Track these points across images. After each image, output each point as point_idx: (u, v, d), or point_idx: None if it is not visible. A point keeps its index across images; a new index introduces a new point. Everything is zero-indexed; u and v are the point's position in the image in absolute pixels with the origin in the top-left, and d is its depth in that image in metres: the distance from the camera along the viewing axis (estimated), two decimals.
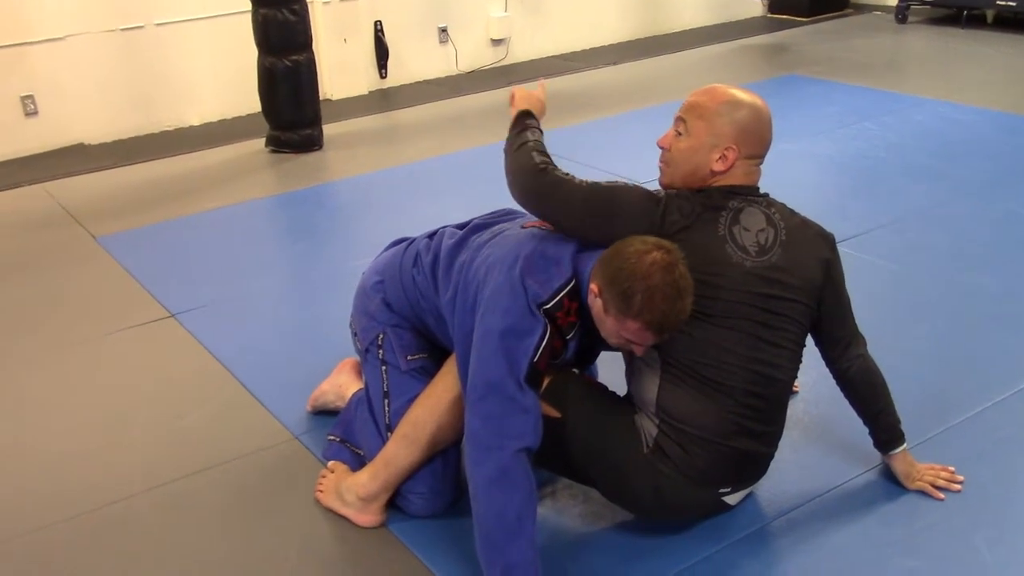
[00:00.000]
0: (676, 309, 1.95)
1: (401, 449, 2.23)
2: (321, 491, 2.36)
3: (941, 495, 2.30)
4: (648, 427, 2.09)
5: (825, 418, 2.59)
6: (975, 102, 5.34)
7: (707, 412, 2.06)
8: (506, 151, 2.30)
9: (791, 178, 4.22)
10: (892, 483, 2.36)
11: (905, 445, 2.33)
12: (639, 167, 4.42)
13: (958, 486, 2.33)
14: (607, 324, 2.02)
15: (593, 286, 2.02)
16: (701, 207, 2.10)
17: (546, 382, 2.12)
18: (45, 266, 3.83)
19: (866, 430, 2.35)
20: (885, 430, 2.31)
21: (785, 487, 2.35)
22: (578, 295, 2.09)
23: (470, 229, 2.36)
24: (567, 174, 2.17)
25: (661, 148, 2.21)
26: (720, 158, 2.13)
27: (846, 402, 2.32)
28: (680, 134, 2.17)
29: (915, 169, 4.42)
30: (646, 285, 1.92)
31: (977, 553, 2.14)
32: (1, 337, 3.29)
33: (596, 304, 2.02)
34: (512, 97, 2.43)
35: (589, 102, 5.80)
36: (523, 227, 2.23)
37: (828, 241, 2.21)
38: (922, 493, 2.32)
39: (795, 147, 4.66)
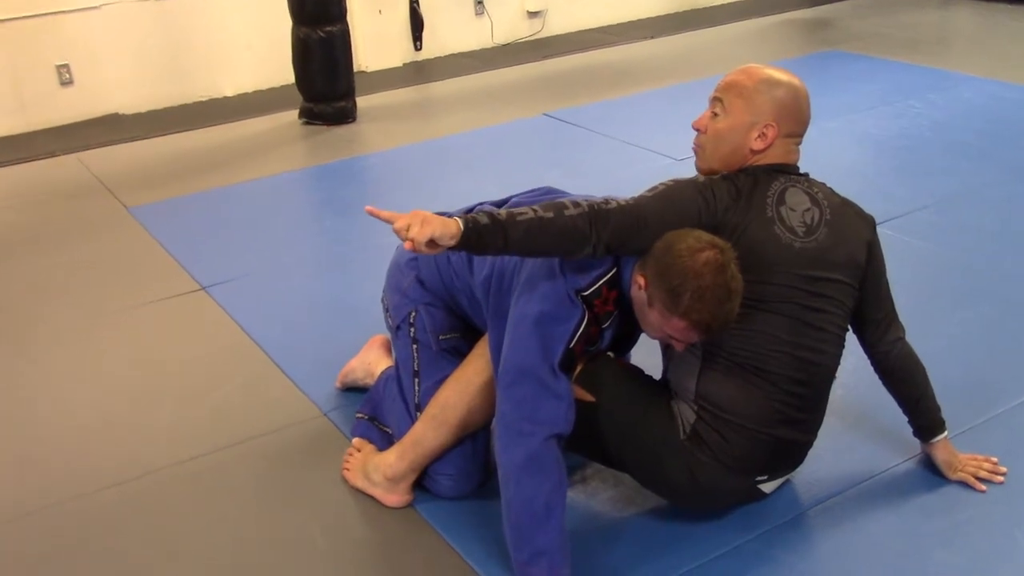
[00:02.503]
0: (724, 311, 1.89)
1: (430, 431, 2.20)
2: (347, 469, 2.34)
3: (983, 487, 2.24)
4: (686, 413, 2.05)
5: (864, 404, 2.52)
6: (1022, 80, 5.20)
7: (749, 400, 2.01)
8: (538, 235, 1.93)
9: (832, 156, 4.13)
10: (932, 473, 2.29)
11: (946, 433, 2.26)
12: (673, 143, 4.36)
13: (1001, 478, 2.26)
14: (650, 318, 1.97)
15: (639, 278, 1.96)
16: (747, 187, 2.05)
17: (580, 366, 2.08)
18: (76, 236, 3.83)
19: (905, 418, 2.29)
20: (925, 417, 2.25)
21: (822, 475, 2.30)
22: (618, 284, 2.03)
23: (508, 207, 2.31)
24: (595, 204, 1.99)
25: (696, 130, 2.15)
26: (759, 136, 2.07)
27: (885, 388, 2.26)
28: (717, 114, 2.11)
29: (960, 149, 4.31)
30: (697, 285, 1.86)
31: (1018, 548, 2.08)
32: (31, 306, 3.29)
33: (640, 297, 1.97)
34: (408, 228, 1.85)
35: (624, 76, 5.71)
36: (572, 202, 2.16)
37: (869, 222, 2.16)
38: (963, 484, 2.25)
39: (836, 125, 4.56)
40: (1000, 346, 2.82)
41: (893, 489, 2.26)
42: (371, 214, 1.90)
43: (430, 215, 1.85)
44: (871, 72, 5.50)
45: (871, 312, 2.16)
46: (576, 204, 1.95)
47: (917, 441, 2.32)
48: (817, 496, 2.24)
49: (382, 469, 2.24)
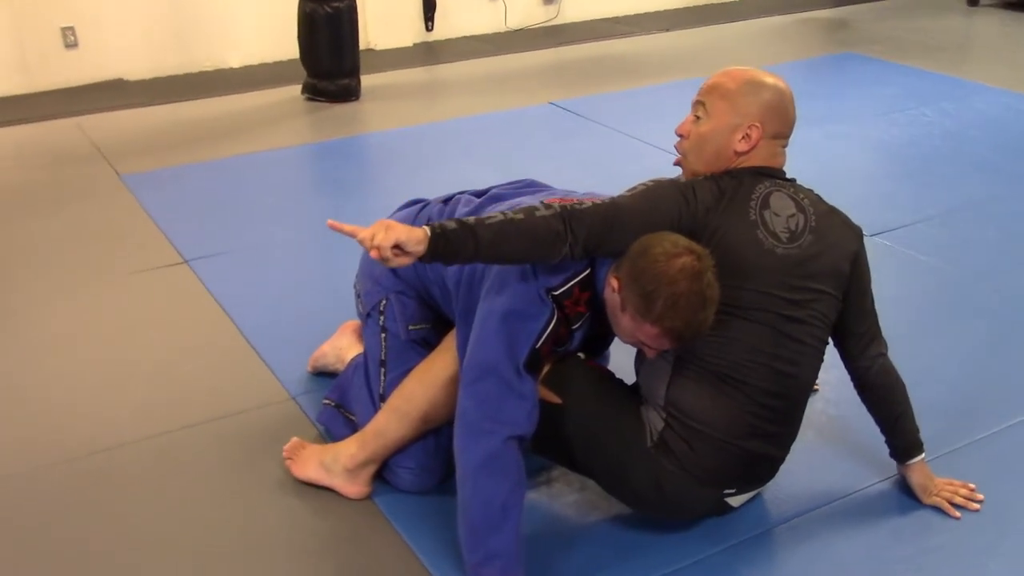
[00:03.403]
0: (698, 319, 1.83)
1: (392, 422, 2.14)
2: (291, 460, 2.27)
3: (958, 514, 2.17)
4: (654, 420, 1.99)
5: (843, 420, 2.46)
6: None
7: (720, 410, 1.95)
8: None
9: (838, 161, 4.06)
10: (907, 496, 2.22)
11: (923, 455, 2.20)
12: (674, 138, 4.27)
13: (977, 505, 2.19)
14: (622, 322, 1.91)
15: (613, 280, 1.90)
16: (731, 189, 1.99)
17: (548, 366, 2.02)
18: (64, 201, 3.78)
19: (876, 429, 2.21)
20: (902, 438, 2.18)
21: (793, 490, 2.23)
22: (591, 285, 1.97)
23: (488, 198, 2.25)
24: (568, 205, 1.93)
25: (679, 136, 2.10)
26: (743, 137, 2.02)
27: (855, 400, 2.19)
28: (699, 118, 2.06)
29: (970, 160, 4.21)
30: (671, 291, 1.80)
31: None
32: (9, 271, 3.25)
33: (613, 299, 1.91)
34: (372, 238, 1.77)
35: (637, 68, 5.63)
36: (543, 203, 2.10)
37: (856, 232, 2.10)
38: (937, 509, 2.18)
39: (846, 128, 4.47)
40: (988, 368, 2.74)
41: (865, 510, 2.20)
42: (333, 228, 1.82)
43: (394, 223, 1.78)
44: (885, 76, 5.40)
45: (853, 325, 2.10)
46: (548, 206, 1.89)
47: (892, 462, 2.25)
48: (786, 513, 2.18)
49: (342, 460, 2.19)
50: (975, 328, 2.94)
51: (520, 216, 1.85)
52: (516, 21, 6.41)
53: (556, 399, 2.01)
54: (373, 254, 1.76)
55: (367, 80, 5.12)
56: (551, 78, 5.52)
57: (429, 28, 6.10)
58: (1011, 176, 4.06)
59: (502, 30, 6.37)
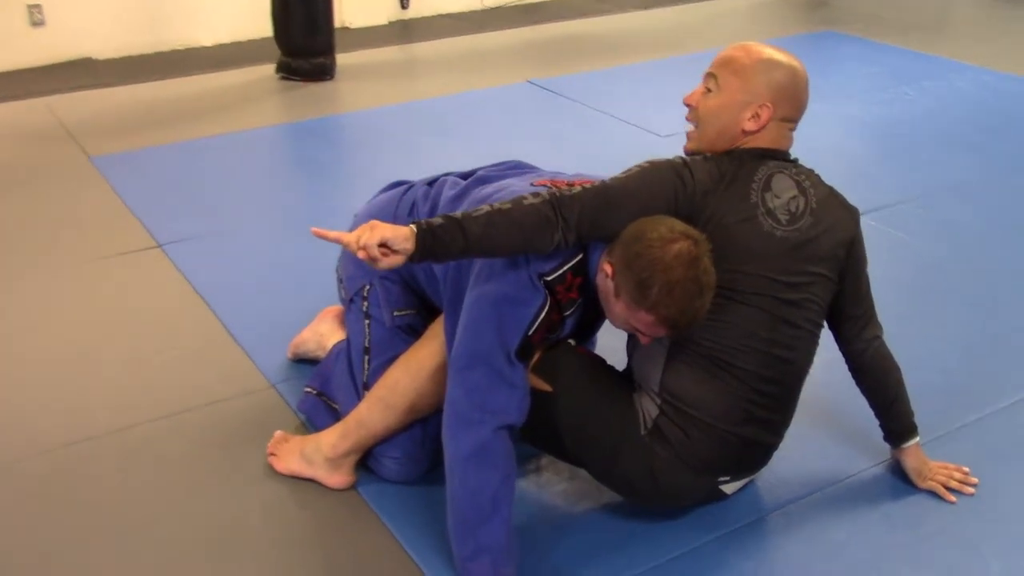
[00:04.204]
0: (694, 307, 1.78)
1: (376, 412, 2.09)
2: (274, 455, 2.21)
3: (953, 498, 2.15)
4: (648, 407, 1.94)
5: (836, 404, 2.42)
6: (1019, 71, 5.08)
7: (715, 396, 1.91)
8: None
9: (818, 140, 4.00)
10: (901, 480, 2.20)
11: (918, 439, 2.17)
12: (658, 119, 4.24)
13: (971, 489, 2.17)
14: (616, 309, 1.85)
15: (606, 266, 1.84)
16: (731, 171, 1.93)
17: (538, 354, 1.96)
18: (32, 184, 3.67)
19: (870, 412, 2.19)
20: (897, 421, 2.15)
21: (786, 477, 2.20)
22: (583, 271, 1.92)
23: (474, 180, 2.19)
24: (556, 191, 1.87)
25: (688, 106, 2.03)
26: (753, 116, 1.96)
27: (848, 385, 2.16)
28: (710, 90, 1.99)
29: (952, 140, 4.19)
30: (666, 278, 1.75)
31: (985, 565, 1.99)
32: None
33: (606, 285, 1.85)
34: (358, 240, 1.72)
35: (615, 47, 5.56)
36: (533, 184, 2.05)
37: (853, 215, 2.06)
38: (932, 493, 2.16)
39: (826, 108, 4.42)
40: (976, 350, 2.72)
41: (859, 496, 2.17)
42: (317, 236, 1.76)
43: (378, 222, 1.73)
44: (864, 55, 5.37)
45: (849, 308, 2.06)
46: (535, 194, 1.83)
47: (886, 446, 2.22)
48: (780, 499, 2.15)
49: (323, 450, 2.13)
50: (961, 309, 2.92)
51: (508, 206, 1.80)
52: None
53: (546, 387, 1.96)
54: (361, 255, 1.71)
55: (342, 59, 5.02)
56: (528, 56, 5.44)
57: (404, 6, 6.00)
58: (992, 155, 4.04)
59: (478, 8, 6.27)
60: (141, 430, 2.34)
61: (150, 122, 4.30)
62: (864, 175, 3.79)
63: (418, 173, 2.46)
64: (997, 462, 2.27)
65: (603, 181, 1.91)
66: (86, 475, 2.20)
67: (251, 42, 5.48)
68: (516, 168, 2.27)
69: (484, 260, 1.93)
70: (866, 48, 5.50)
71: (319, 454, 2.13)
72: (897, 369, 2.12)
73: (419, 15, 6.09)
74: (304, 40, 4.76)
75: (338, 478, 2.14)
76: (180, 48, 5.37)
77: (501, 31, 5.85)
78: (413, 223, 1.73)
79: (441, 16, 6.14)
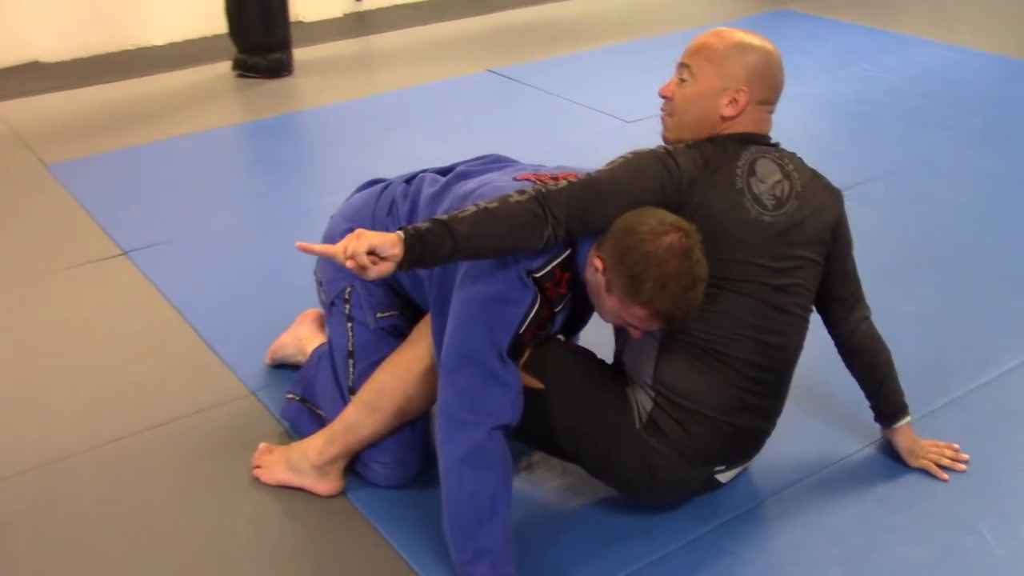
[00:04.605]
0: (688, 299, 1.76)
1: (362, 417, 2.04)
2: (259, 467, 2.15)
3: (945, 476, 2.16)
4: (643, 400, 1.92)
5: (822, 386, 2.41)
6: (979, 45, 5.12)
7: (710, 386, 1.89)
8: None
9: (782, 121, 3.96)
10: (892, 460, 2.20)
11: (909, 418, 2.17)
12: (623, 104, 4.22)
13: (963, 466, 2.18)
14: (608, 304, 1.83)
15: (597, 261, 1.81)
16: (715, 157, 1.91)
17: (528, 351, 1.93)
18: None
19: (865, 400, 2.19)
20: (888, 402, 2.16)
21: (779, 462, 2.19)
22: (571, 265, 1.89)
23: (454, 176, 2.14)
24: (541, 187, 1.84)
25: (664, 98, 2.01)
26: (730, 102, 1.94)
27: (844, 369, 2.16)
28: (684, 80, 1.97)
29: (914, 115, 4.22)
30: (660, 272, 1.72)
31: (983, 542, 1.99)
32: None
33: (597, 280, 1.82)
34: (346, 250, 1.67)
35: (572, 33, 5.52)
36: (515, 179, 2.01)
37: (838, 197, 2.06)
38: (924, 472, 2.17)
39: (788, 88, 4.36)
40: (956, 325, 2.74)
41: (852, 478, 2.17)
42: (303, 250, 1.72)
43: (364, 230, 1.69)
44: (822, 33, 5.38)
45: (837, 290, 2.06)
46: (521, 191, 1.80)
47: (876, 426, 2.23)
48: (774, 485, 2.14)
49: (310, 457, 2.08)
50: (938, 284, 2.94)
51: (494, 204, 1.76)
52: None
53: (538, 384, 1.93)
54: (350, 265, 1.66)
55: (298, 54, 4.93)
56: (487, 45, 5.39)
57: None
58: (955, 129, 4.07)
59: None
60: (120, 446, 2.28)
61: (106, 126, 4.19)
62: (832, 153, 3.79)
63: (384, 168, 2.41)
64: (985, 437, 2.29)
65: (589, 174, 1.88)
66: (66, 495, 2.13)
67: (205, 40, 5.37)
68: (496, 162, 2.23)
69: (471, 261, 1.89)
70: (823, 26, 5.52)
71: (306, 461, 2.09)
72: (886, 349, 2.12)
73: (373, 6, 6.01)
74: (260, 36, 4.67)
75: (326, 485, 2.10)
76: (132, 48, 5.25)
77: (457, 20, 5.78)
78: (400, 228, 1.69)
79: (396, 7, 6.06)
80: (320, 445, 2.09)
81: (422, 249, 1.69)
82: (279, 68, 4.76)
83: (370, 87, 4.69)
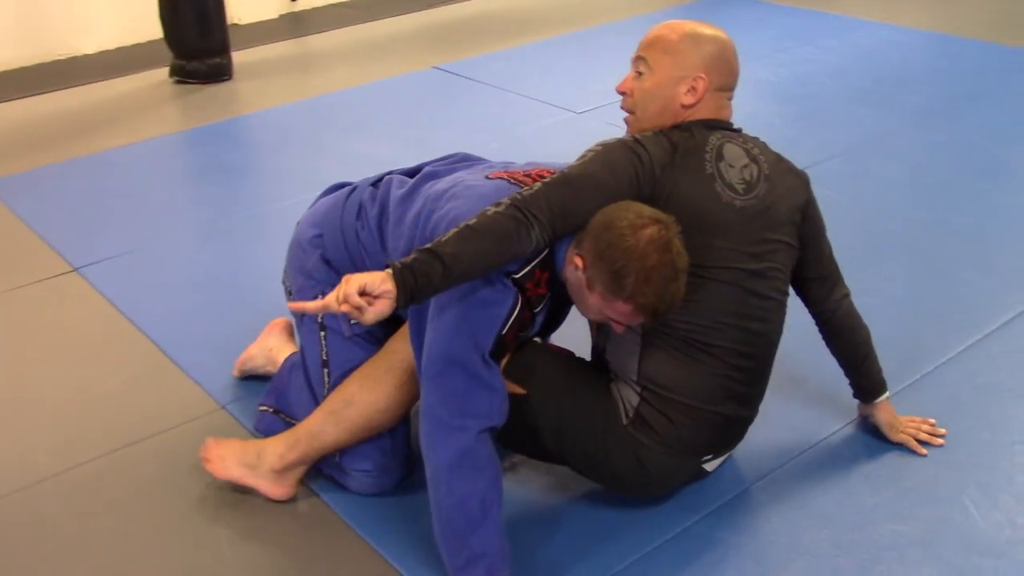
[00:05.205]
0: (671, 291, 1.75)
1: (329, 426, 2.00)
2: (209, 460, 2.08)
3: (924, 450, 2.18)
4: (629, 396, 1.90)
5: (798, 367, 2.42)
6: (914, 24, 5.20)
7: (695, 377, 1.88)
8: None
9: (733, 107, 4.03)
10: (873, 438, 2.22)
11: (888, 394, 2.20)
12: (571, 96, 4.21)
13: (940, 440, 2.20)
14: (590, 301, 1.80)
15: (576, 259, 1.79)
16: (683, 141, 1.91)
17: (508, 356, 1.91)
18: None
19: (841, 379, 2.21)
20: (868, 378, 2.18)
21: (761, 447, 2.19)
22: (550, 265, 1.86)
23: (422, 177, 2.10)
24: (517, 193, 1.81)
25: (622, 94, 2.01)
26: (689, 90, 1.94)
27: (817, 349, 2.17)
28: (641, 73, 1.98)
29: (860, 95, 4.27)
30: (641, 266, 1.71)
31: (968, 516, 2.02)
32: None
33: (578, 278, 1.80)
34: (338, 297, 1.66)
35: (512, 26, 5.49)
36: (487, 177, 1.97)
37: (803, 179, 2.07)
38: (904, 449, 2.19)
39: None
40: (922, 301, 2.77)
41: (835, 458, 2.18)
42: (297, 311, 1.75)
43: (351, 275, 1.66)
44: (763, 18, 5.42)
45: (815, 270, 2.07)
46: (497, 203, 1.78)
47: (854, 405, 2.25)
48: (759, 471, 2.14)
49: (268, 460, 2.03)
50: (899, 262, 2.97)
51: (474, 221, 1.74)
52: None
53: (520, 390, 1.90)
54: (344, 310, 1.64)
55: (237, 57, 4.83)
56: (430, 41, 5.34)
57: None
58: (901, 107, 4.13)
59: None
60: (87, 470, 2.20)
61: (42, 139, 4.06)
62: (783, 137, 3.77)
63: (335, 170, 2.36)
64: (959, 411, 2.32)
65: (562, 172, 1.86)
66: (32, 525, 2.05)
67: (139, 47, 5.23)
68: (464, 161, 2.20)
69: None
70: (762, 10, 5.56)
71: (263, 464, 2.04)
72: (866, 327, 2.14)
73: (310, 6, 5.91)
74: (197, 40, 4.56)
75: (281, 489, 2.06)
76: (62, 58, 5.10)
77: (396, 17, 5.72)
78: (387, 264, 1.67)
79: (332, 5, 5.97)
80: (281, 449, 2.04)
81: (413, 280, 1.66)
82: (219, 73, 4.66)
83: (313, 88, 4.61)
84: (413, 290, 1.66)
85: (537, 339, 2.01)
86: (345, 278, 1.65)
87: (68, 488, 2.15)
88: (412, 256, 1.69)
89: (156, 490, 2.14)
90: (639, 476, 1.91)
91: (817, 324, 2.12)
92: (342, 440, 2.02)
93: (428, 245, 1.71)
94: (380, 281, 1.63)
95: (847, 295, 2.11)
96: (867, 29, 5.13)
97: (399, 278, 1.65)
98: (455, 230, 1.72)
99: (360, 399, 2.00)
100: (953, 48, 4.88)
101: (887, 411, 2.19)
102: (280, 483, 2.05)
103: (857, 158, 3.65)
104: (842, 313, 2.09)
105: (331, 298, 1.65)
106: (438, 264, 1.67)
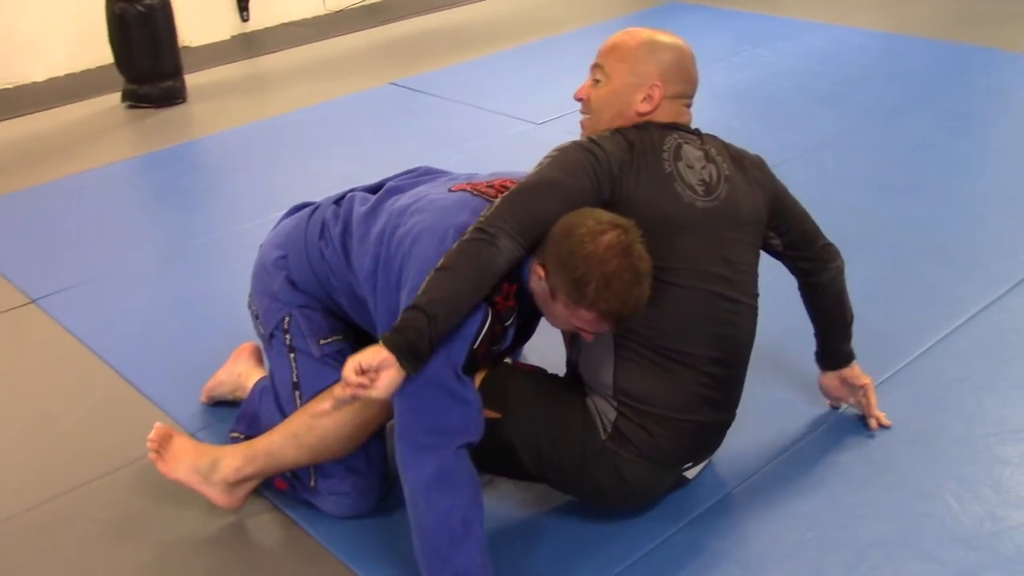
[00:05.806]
0: (634, 296, 1.73)
1: (289, 448, 1.97)
2: (159, 457, 2.03)
3: (875, 424, 2.24)
4: (605, 410, 1.88)
5: (774, 369, 2.41)
6: (863, 24, 5.26)
7: (670, 387, 1.87)
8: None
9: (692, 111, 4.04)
10: (851, 436, 2.24)
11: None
12: (529, 107, 4.20)
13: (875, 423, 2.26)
14: (555, 310, 1.79)
15: (539, 269, 1.77)
16: (639, 139, 1.90)
17: (480, 378, 1.88)
18: None
19: (814, 372, 2.25)
20: (850, 341, 2.22)
21: (740, 451, 2.18)
22: (517, 277, 1.84)
23: (385, 192, 2.07)
24: (485, 213, 1.81)
25: (579, 100, 2.01)
26: (645, 98, 1.95)
27: (793, 350, 2.20)
28: (598, 80, 1.98)
29: (816, 96, 4.30)
30: (601, 272, 1.69)
31: (949, 509, 2.02)
32: None
33: (541, 288, 1.78)
34: (346, 382, 1.70)
35: (467, 39, 5.47)
36: (451, 190, 1.95)
37: (762, 167, 2.09)
38: (883, 446, 2.20)
39: None
40: (888, 298, 2.78)
41: (814, 459, 2.18)
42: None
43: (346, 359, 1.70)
44: (715, 23, 5.46)
45: (811, 245, 2.12)
46: (457, 236, 1.79)
47: (829, 404, 2.25)
48: (741, 474, 2.13)
49: (222, 471, 2.00)
50: (865, 261, 2.96)
51: (440, 262, 1.74)
52: (335, 2, 6.14)
53: (494, 413, 1.87)
54: (351, 392, 1.67)
55: (190, 80, 4.77)
56: (384, 57, 5.31)
57: (245, 18, 5.76)
58: (857, 108, 4.16)
59: (322, 12, 6.09)
60: (54, 507, 2.14)
61: None
62: (743, 140, 3.72)
63: (295, 191, 2.33)
64: (933, 405, 2.33)
65: (521, 183, 1.85)
66: (2, 563, 1.99)
67: (87, 72, 5.15)
68: (427, 174, 2.17)
69: (412, 277, 1.82)
70: (713, 15, 5.60)
71: (217, 473, 2.00)
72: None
73: (261, 26, 5.86)
74: (149, 64, 4.50)
75: (230, 500, 2.03)
76: (9, 86, 5.01)
77: (349, 34, 5.68)
78: (379, 337, 1.70)
79: (284, 25, 5.93)
80: (237, 463, 2.01)
81: (404, 339, 1.67)
82: (172, 96, 4.60)
83: (269, 109, 4.56)
84: (409, 348, 1.67)
85: (508, 360, 1.98)
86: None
87: (34, 527, 2.08)
88: (397, 321, 1.70)
89: (127, 525, 2.08)
90: (621, 489, 1.89)
91: (811, 293, 2.17)
92: (302, 461, 2.00)
93: (408, 303, 1.72)
94: (373, 353, 1.66)
95: (841, 263, 2.15)
96: (818, 31, 5.18)
97: (390, 343, 1.66)
98: (427, 275, 1.73)
99: (322, 425, 1.96)
100: (900, 46, 4.93)
101: (857, 368, 2.24)
102: (231, 494, 2.03)
103: (817, 159, 3.67)
104: (840, 278, 2.16)
105: (337, 390, 1.70)
106: (420, 315, 1.67)
